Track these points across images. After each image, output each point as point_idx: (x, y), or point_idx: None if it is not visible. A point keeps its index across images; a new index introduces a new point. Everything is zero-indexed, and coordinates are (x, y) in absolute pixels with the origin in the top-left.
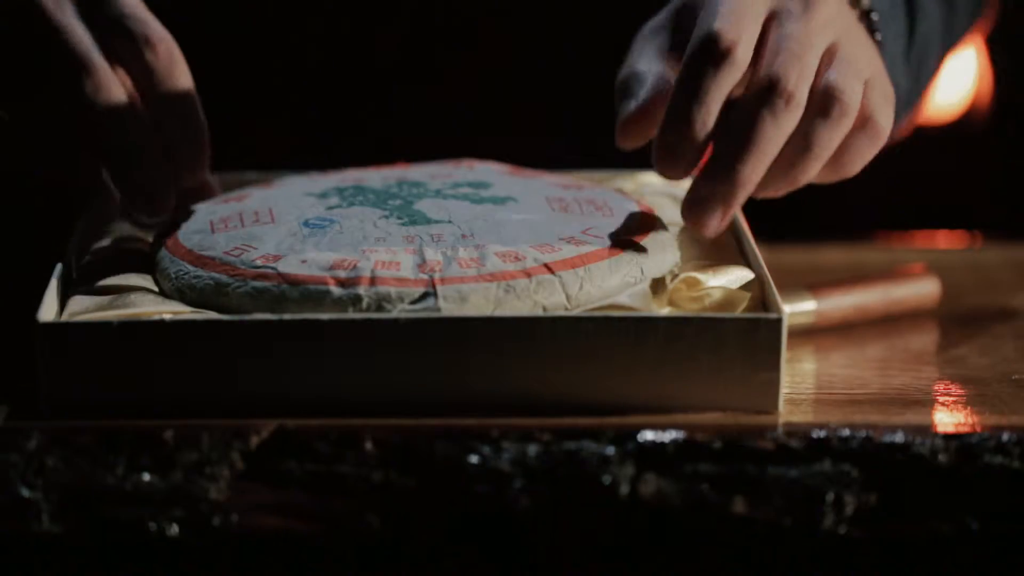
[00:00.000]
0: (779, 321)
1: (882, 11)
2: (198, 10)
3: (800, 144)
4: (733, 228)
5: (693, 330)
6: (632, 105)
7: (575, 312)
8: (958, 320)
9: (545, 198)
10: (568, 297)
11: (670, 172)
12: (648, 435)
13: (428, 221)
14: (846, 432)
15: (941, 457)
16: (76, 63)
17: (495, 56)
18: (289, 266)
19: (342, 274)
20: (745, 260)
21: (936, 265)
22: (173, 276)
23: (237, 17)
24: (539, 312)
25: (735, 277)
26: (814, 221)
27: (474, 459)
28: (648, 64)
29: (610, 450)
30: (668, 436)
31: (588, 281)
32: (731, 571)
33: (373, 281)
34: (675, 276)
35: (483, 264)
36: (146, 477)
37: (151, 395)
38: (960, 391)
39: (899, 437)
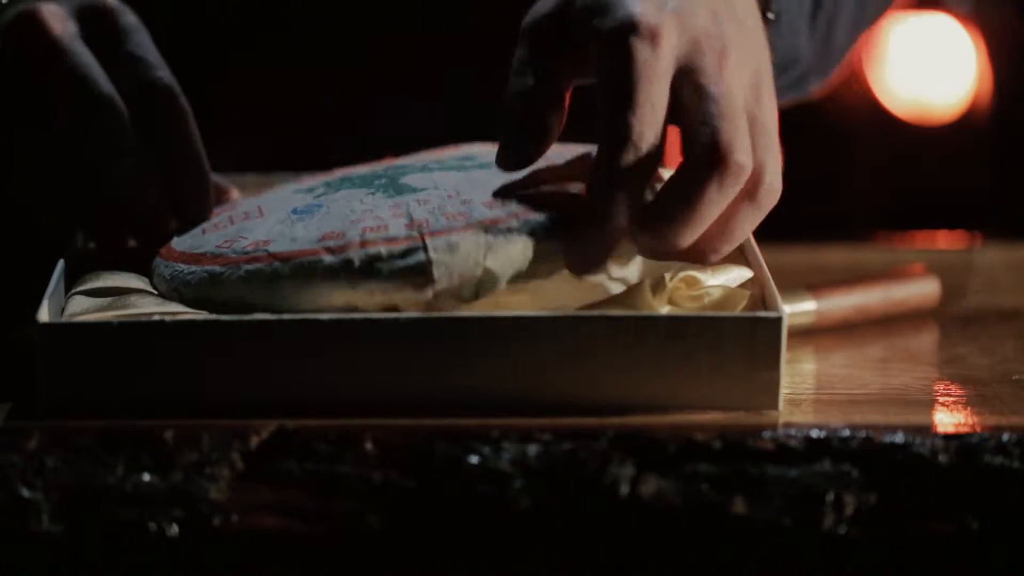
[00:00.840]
0: (779, 320)
1: None
2: (196, 13)
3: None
4: None
5: (693, 329)
6: (537, 145)
7: (575, 312)
8: (958, 320)
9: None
10: (555, 227)
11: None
12: (648, 435)
13: (413, 191)
14: (846, 432)
15: (941, 457)
16: (82, 88)
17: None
18: (279, 246)
19: (332, 243)
20: (745, 260)
21: (936, 265)
22: (168, 277)
23: (235, 25)
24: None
25: (734, 276)
26: (814, 221)
27: (474, 459)
28: (549, 79)
29: (610, 450)
30: (668, 436)
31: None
32: (731, 571)
33: (363, 244)
34: (674, 275)
35: (471, 215)
36: (146, 477)
37: (151, 395)
38: (960, 391)
39: (899, 437)
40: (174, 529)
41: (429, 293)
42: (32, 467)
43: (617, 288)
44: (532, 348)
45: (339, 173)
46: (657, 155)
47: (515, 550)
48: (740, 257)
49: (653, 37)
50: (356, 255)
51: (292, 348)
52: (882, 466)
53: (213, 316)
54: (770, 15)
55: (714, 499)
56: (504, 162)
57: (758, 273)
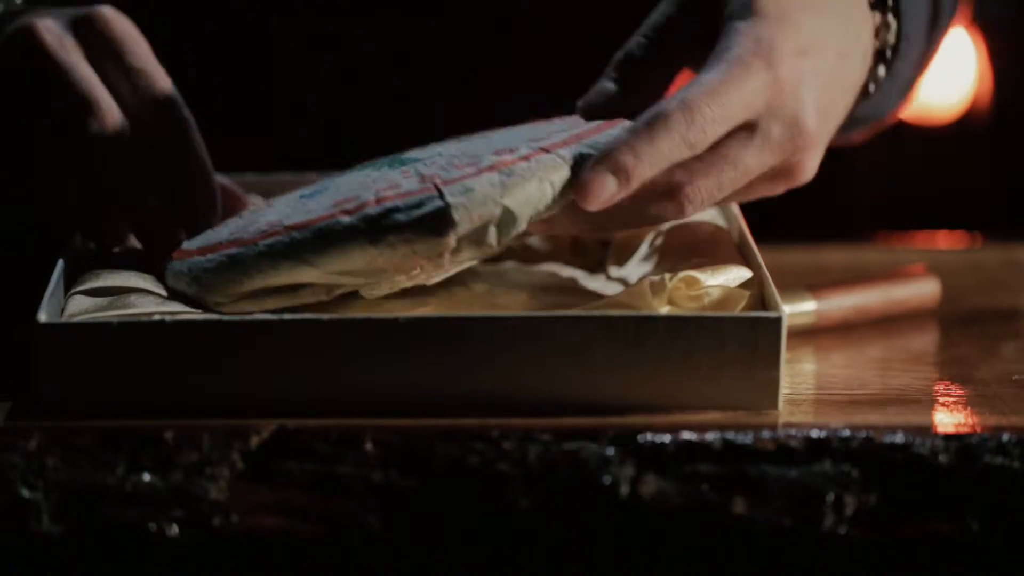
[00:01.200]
0: (779, 320)
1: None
2: (196, 15)
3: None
4: (733, 227)
5: (693, 330)
6: (605, 93)
7: (575, 312)
8: (958, 320)
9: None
10: (571, 169)
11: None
12: (648, 435)
13: (419, 160)
14: (846, 432)
15: (941, 457)
16: (81, 101)
17: (497, 62)
18: (294, 220)
19: (347, 206)
20: (744, 259)
21: (936, 265)
22: (186, 271)
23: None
24: (553, 191)
25: (734, 276)
26: (814, 221)
27: (474, 459)
28: (651, 53)
29: (610, 450)
30: (668, 436)
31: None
32: (731, 571)
33: (379, 202)
34: (674, 275)
35: (480, 163)
36: (146, 477)
37: (151, 395)
38: (960, 391)
39: (899, 437)
40: (174, 529)
41: (451, 239)
42: (32, 467)
43: (615, 288)
44: (532, 348)
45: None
46: (673, 157)
47: (515, 550)
48: (740, 257)
49: (772, 73)
50: (373, 210)
51: (292, 348)
52: (882, 466)
53: (213, 316)
54: (871, 87)
55: (714, 499)
56: (585, 96)
57: (757, 273)
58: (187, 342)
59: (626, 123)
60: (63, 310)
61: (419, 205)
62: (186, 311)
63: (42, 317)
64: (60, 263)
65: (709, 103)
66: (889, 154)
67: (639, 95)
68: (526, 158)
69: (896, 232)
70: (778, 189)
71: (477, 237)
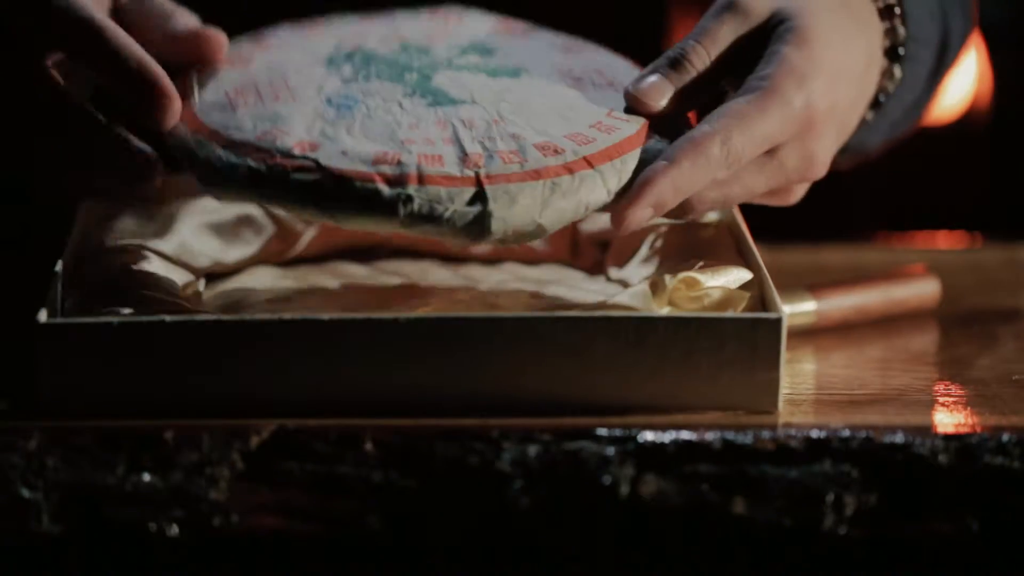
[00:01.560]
0: (779, 321)
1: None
2: None
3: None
4: (732, 228)
5: (693, 330)
6: (654, 85)
7: (575, 312)
8: (958, 320)
9: (556, 70)
10: (608, 192)
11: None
12: (648, 435)
13: (452, 101)
14: (846, 432)
15: (941, 457)
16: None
17: None
18: (330, 158)
19: (387, 170)
20: (744, 260)
21: (936, 265)
22: (202, 159)
23: None
24: (583, 207)
25: (734, 277)
26: (814, 221)
27: (474, 459)
28: (699, 59)
29: (610, 450)
30: (668, 436)
31: (624, 172)
32: (731, 571)
33: (421, 179)
34: (675, 276)
35: (525, 159)
36: (146, 477)
37: (151, 395)
38: (960, 391)
39: (899, 437)
40: (174, 529)
41: (482, 243)
42: (32, 467)
43: (615, 289)
44: (532, 348)
45: (345, 32)
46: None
47: (515, 550)
48: (739, 258)
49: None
50: (418, 196)
51: (292, 348)
52: (882, 466)
53: (213, 316)
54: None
55: (714, 499)
56: (635, 83)
57: (757, 274)
58: (187, 342)
59: (661, 145)
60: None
61: (463, 203)
62: (186, 311)
63: (42, 317)
64: (60, 263)
65: (742, 132)
66: (889, 154)
67: (686, 95)
68: (570, 170)
69: (896, 232)
70: (766, 202)
71: (503, 240)
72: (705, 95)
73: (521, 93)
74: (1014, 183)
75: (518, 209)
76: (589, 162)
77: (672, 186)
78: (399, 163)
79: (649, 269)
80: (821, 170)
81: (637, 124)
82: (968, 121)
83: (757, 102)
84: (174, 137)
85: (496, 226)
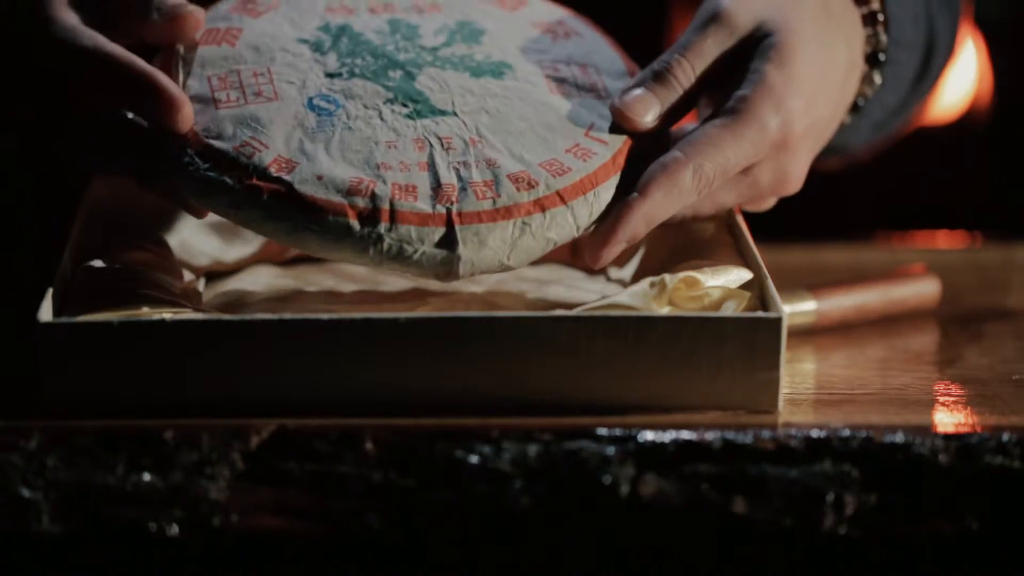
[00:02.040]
0: (779, 320)
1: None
2: None
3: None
4: (732, 228)
5: (693, 330)
6: (638, 98)
7: (575, 312)
8: (958, 320)
9: (541, 68)
10: (578, 228)
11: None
12: (648, 435)
13: (433, 112)
14: (846, 432)
15: (941, 457)
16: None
17: None
18: (305, 183)
19: (360, 203)
20: (744, 260)
21: (936, 265)
22: (185, 169)
23: None
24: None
25: (734, 277)
26: (814, 221)
27: (474, 459)
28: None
29: (610, 450)
30: (668, 436)
31: (596, 205)
32: (731, 571)
33: (393, 216)
34: (675, 276)
35: (498, 193)
36: (146, 477)
37: (151, 395)
38: (960, 391)
39: (899, 437)
40: (174, 529)
41: (447, 282)
42: (32, 467)
43: (615, 289)
44: (532, 348)
45: (341, 8)
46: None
47: (515, 550)
48: (739, 258)
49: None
50: (388, 237)
51: (292, 348)
52: (882, 466)
53: (213, 316)
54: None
55: (714, 499)
56: (620, 96)
57: (758, 274)
58: (187, 342)
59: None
60: (64, 306)
61: (432, 245)
62: (186, 311)
63: (42, 317)
64: (60, 263)
65: (714, 159)
66: (889, 154)
67: (669, 109)
68: (542, 207)
69: (896, 232)
70: (739, 208)
71: (467, 276)
72: (686, 110)
73: (502, 104)
74: (1014, 183)
75: (486, 252)
76: (562, 197)
77: (645, 220)
78: (373, 195)
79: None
80: (795, 185)
81: (616, 145)
82: (968, 121)
83: (733, 127)
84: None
85: (464, 269)
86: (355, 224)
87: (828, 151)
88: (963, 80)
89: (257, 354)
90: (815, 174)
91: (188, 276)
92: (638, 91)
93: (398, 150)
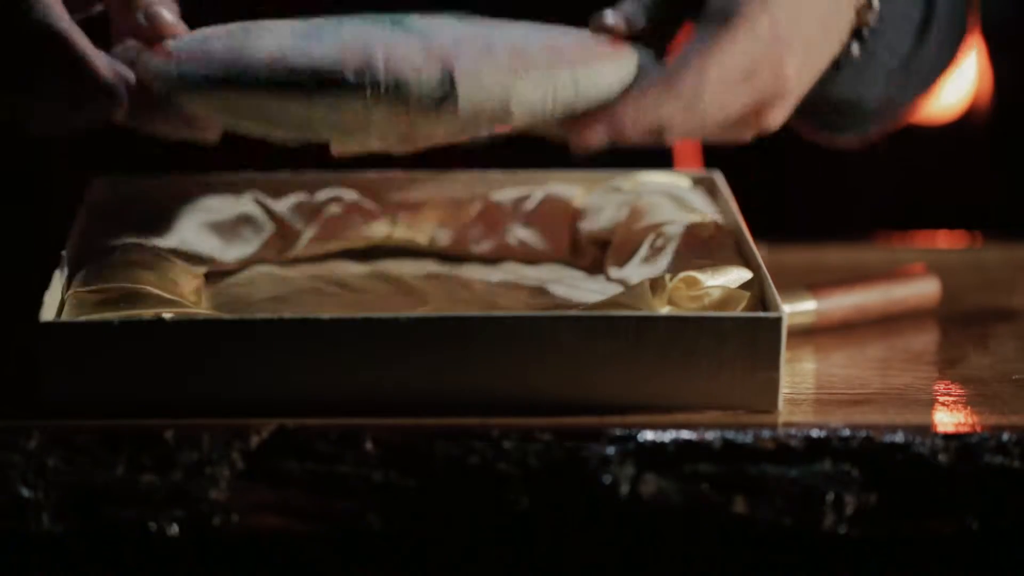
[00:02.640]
0: (779, 320)
1: (890, 22)
2: None
3: None
4: (732, 228)
5: (693, 330)
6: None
7: (575, 312)
8: (958, 320)
9: (531, 25)
10: (576, 93)
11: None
12: (648, 435)
13: (425, 29)
14: (846, 432)
15: (941, 457)
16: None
17: None
18: (298, 60)
19: (355, 63)
20: (744, 260)
21: (936, 265)
22: (175, 74)
23: None
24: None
25: (734, 277)
26: (814, 221)
27: (474, 459)
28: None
29: (610, 450)
30: (668, 436)
31: (599, 79)
32: (731, 571)
33: (388, 68)
34: (675, 276)
35: (493, 52)
36: (146, 477)
37: (151, 395)
38: (960, 391)
39: (899, 437)
40: (174, 529)
41: (450, 123)
42: (32, 467)
43: (615, 289)
44: (532, 348)
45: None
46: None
47: (515, 550)
48: (739, 258)
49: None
50: (381, 76)
51: (292, 348)
52: (882, 466)
53: (214, 316)
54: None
55: (714, 499)
56: (601, 15)
57: (757, 273)
58: (187, 342)
59: (633, 60)
60: (61, 307)
61: (428, 84)
62: (186, 311)
63: (43, 317)
64: (60, 261)
65: (720, 61)
66: (889, 154)
67: (652, 22)
68: (543, 66)
69: (896, 232)
70: (746, 135)
71: (469, 124)
72: (672, 26)
73: (496, 29)
74: (1014, 183)
75: (484, 89)
76: (562, 61)
77: (632, 118)
78: (364, 55)
79: (649, 269)
80: (793, 86)
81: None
82: (968, 121)
83: (726, 32)
84: (145, 63)
85: (463, 106)
86: (349, 76)
87: (845, 105)
88: (963, 80)
89: (257, 354)
90: (815, 174)
91: (188, 276)
92: (611, 10)
93: (392, 40)
